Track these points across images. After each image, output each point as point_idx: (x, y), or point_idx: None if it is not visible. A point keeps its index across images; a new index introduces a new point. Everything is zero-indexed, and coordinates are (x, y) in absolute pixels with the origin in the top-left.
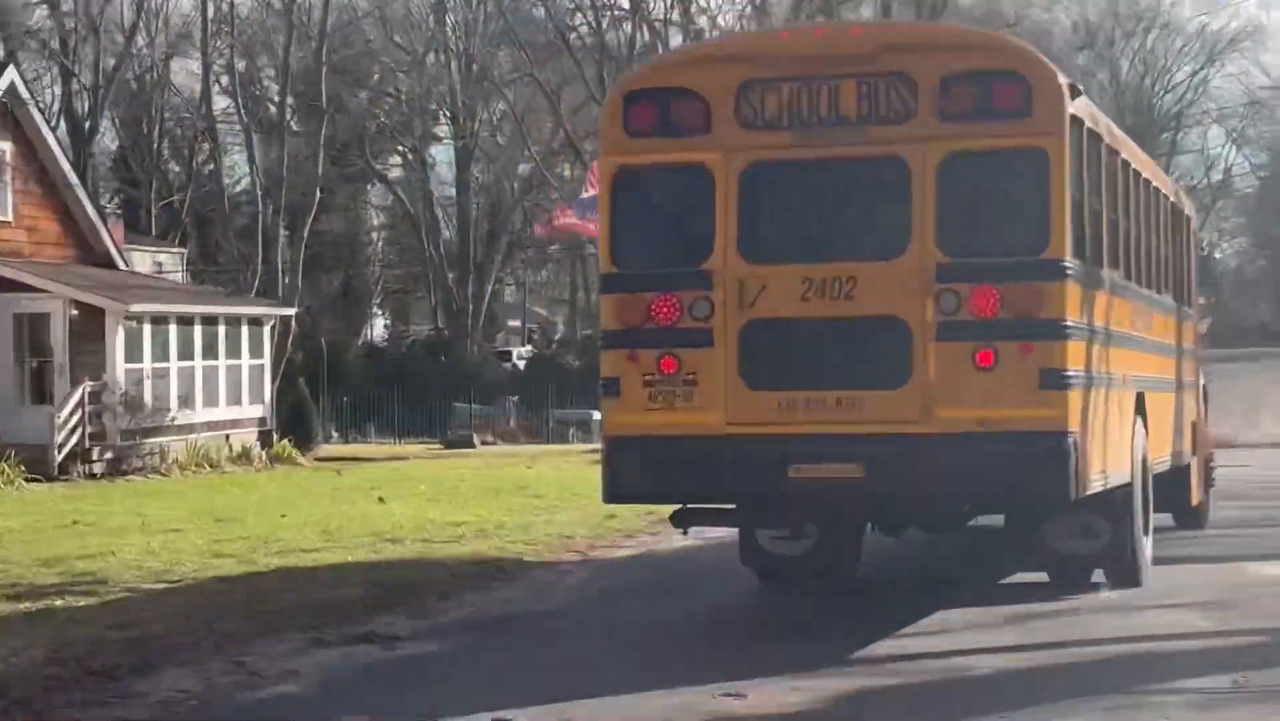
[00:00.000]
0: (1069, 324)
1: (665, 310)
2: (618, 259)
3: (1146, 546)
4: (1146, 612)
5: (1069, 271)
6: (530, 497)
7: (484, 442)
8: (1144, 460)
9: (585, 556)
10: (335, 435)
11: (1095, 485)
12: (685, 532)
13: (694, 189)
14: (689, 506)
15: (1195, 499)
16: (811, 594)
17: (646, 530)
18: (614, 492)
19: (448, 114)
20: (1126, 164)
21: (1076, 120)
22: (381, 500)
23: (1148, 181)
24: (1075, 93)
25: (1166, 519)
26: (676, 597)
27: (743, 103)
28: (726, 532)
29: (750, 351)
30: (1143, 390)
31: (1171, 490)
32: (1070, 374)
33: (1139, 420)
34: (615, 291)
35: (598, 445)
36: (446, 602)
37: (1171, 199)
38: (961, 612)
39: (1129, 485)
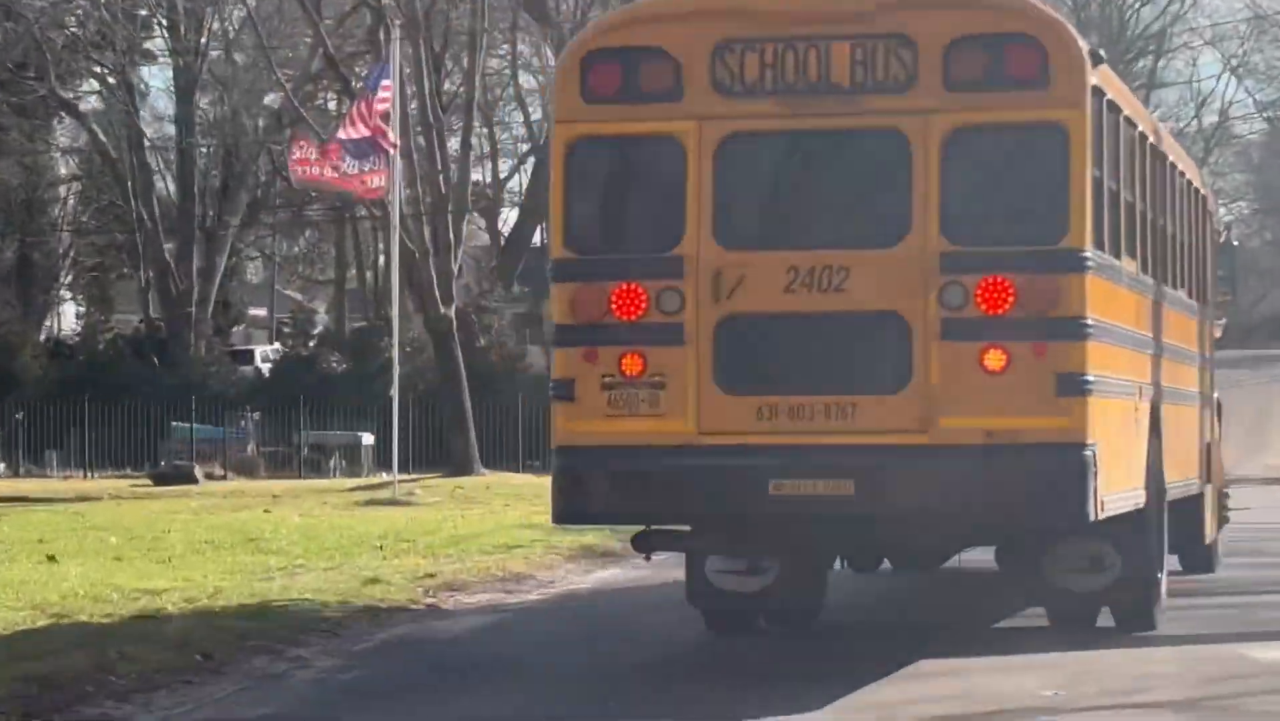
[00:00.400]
0: (1089, 322)
1: (629, 302)
2: (572, 243)
3: (1162, 582)
4: (1101, 716)
5: (1090, 263)
6: (263, 554)
7: (210, 476)
8: (1160, 483)
9: (333, 635)
10: (1, 466)
11: (1113, 507)
12: (648, 558)
13: (663, 163)
14: (653, 528)
15: (1207, 536)
16: (767, 641)
17: (420, 599)
18: (566, 512)
19: (163, 22)
20: (1146, 140)
21: (1098, 91)
22: (52, 558)
23: (1168, 159)
24: (1097, 60)
25: (1172, 560)
26: None
27: (719, 65)
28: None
29: (726, 350)
30: (1159, 402)
31: (1181, 524)
32: (1090, 379)
33: (1154, 437)
34: (569, 280)
35: (367, 480)
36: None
37: (1192, 179)
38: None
39: (1144, 510)
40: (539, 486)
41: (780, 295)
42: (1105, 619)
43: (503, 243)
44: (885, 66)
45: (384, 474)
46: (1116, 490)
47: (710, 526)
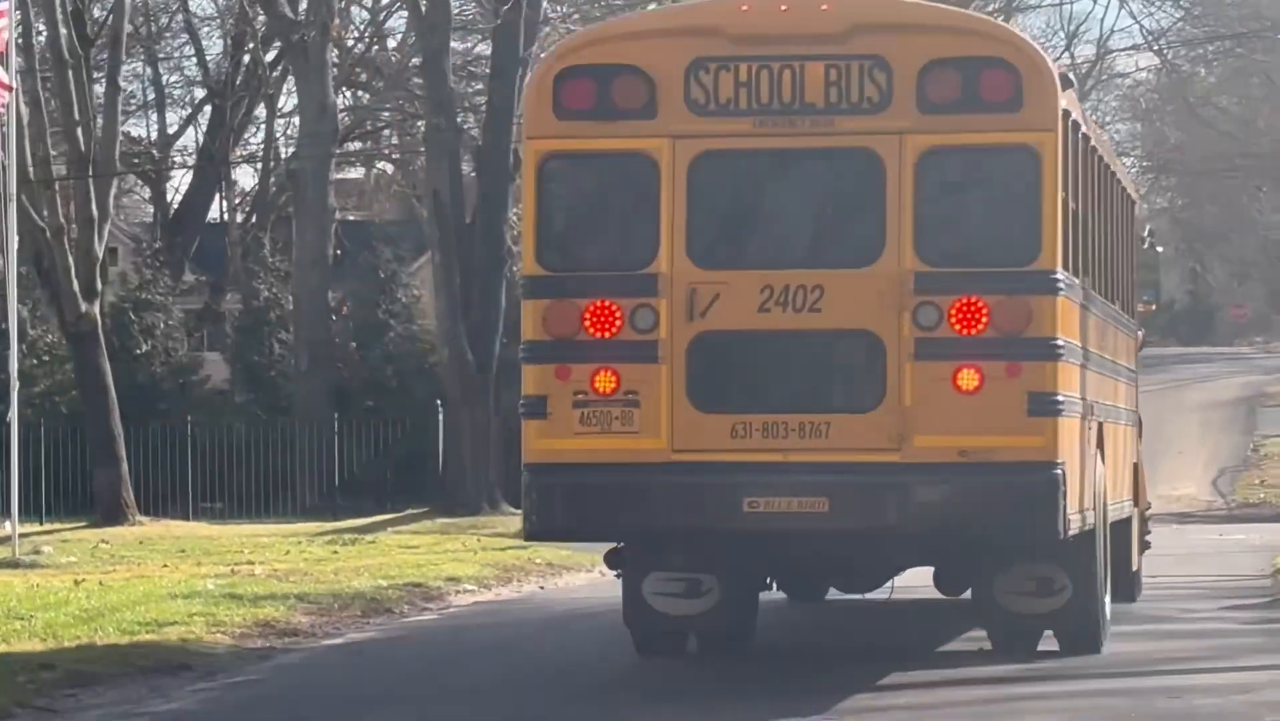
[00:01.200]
0: (1060, 343)
1: (602, 319)
2: (544, 259)
3: (1107, 606)
4: None
5: (1060, 284)
6: None
7: None
8: (1105, 504)
9: None
10: None
11: (1075, 526)
12: (619, 575)
13: (636, 181)
14: (624, 545)
15: (1134, 562)
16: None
17: (27, 700)
18: (538, 529)
19: None
20: (1098, 156)
21: (1066, 114)
22: None
23: (1111, 172)
24: (1066, 83)
25: None
26: None
27: (693, 83)
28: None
29: (700, 368)
30: (1103, 421)
31: (1112, 549)
32: (1060, 399)
33: (1100, 457)
34: (541, 296)
35: None
36: None
37: (1126, 186)
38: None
39: (1093, 532)
40: (211, 539)
41: (754, 314)
42: (1049, 642)
43: (170, 216)
44: (860, 87)
45: (6, 524)
46: (1078, 509)
47: (683, 544)
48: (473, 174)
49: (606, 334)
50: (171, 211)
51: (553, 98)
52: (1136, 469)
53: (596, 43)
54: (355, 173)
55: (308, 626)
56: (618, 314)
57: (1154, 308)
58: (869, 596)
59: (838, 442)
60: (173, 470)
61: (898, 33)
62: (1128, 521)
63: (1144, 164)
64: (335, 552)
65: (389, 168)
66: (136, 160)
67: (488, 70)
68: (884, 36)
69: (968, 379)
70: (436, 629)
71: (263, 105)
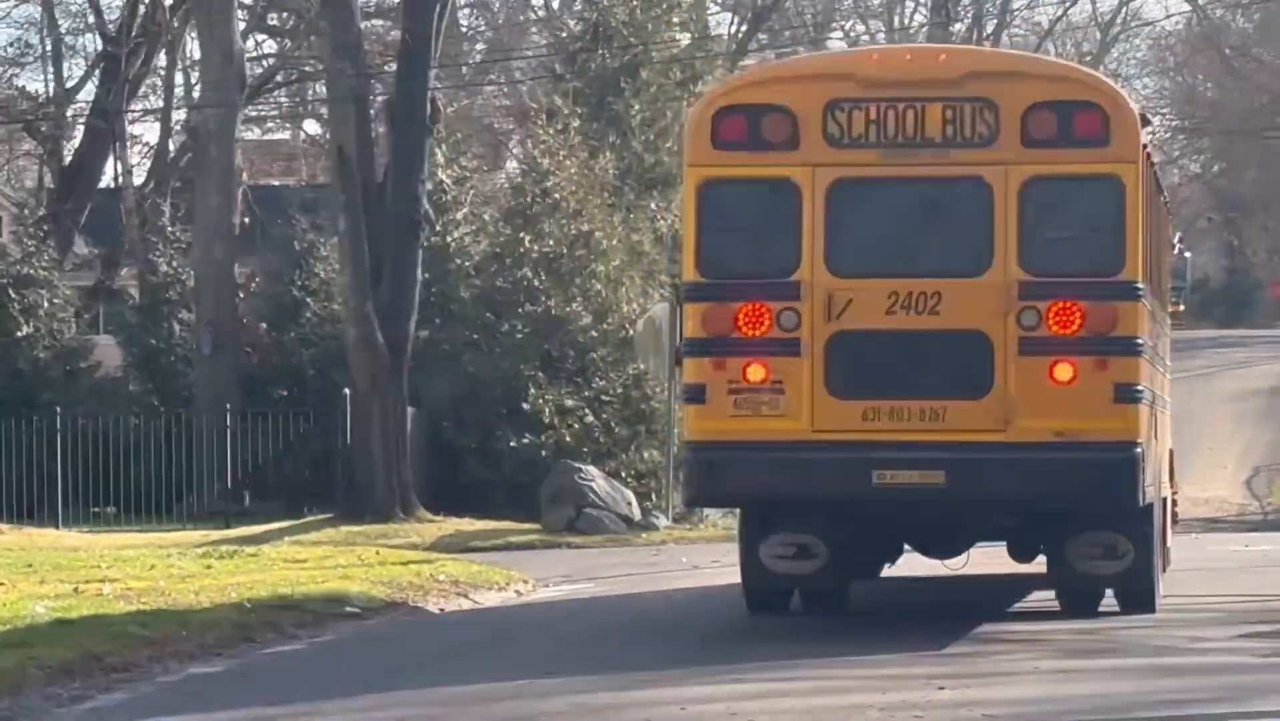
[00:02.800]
0: (1140, 341)
1: (753, 320)
2: (704, 268)
3: (1160, 571)
4: None
5: (1140, 292)
6: None
7: None
8: (1162, 481)
9: None
10: None
11: (1149, 497)
12: (750, 560)
13: (781, 202)
14: (771, 508)
15: (1168, 537)
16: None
17: None
18: (696, 496)
19: None
20: (1156, 176)
21: (1144, 147)
22: None
23: (1160, 185)
24: (1145, 122)
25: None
26: None
27: (830, 120)
28: None
29: (836, 361)
30: (1159, 409)
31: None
32: (1139, 389)
33: (1159, 440)
34: (701, 300)
35: None
36: None
37: (1165, 196)
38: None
39: (1153, 505)
40: (73, 551)
41: (883, 316)
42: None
43: (58, 182)
44: (972, 125)
45: None
46: (1150, 484)
47: (820, 510)
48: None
49: (756, 332)
50: (60, 176)
51: (711, 131)
52: (1171, 454)
53: (749, 86)
54: (282, 134)
55: (144, 660)
56: (766, 315)
57: (1181, 309)
58: (909, 576)
59: (953, 425)
60: (48, 470)
61: (1004, 79)
62: (1165, 500)
63: (1174, 124)
64: (208, 567)
65: (316, 126)
66: (24, 113)
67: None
68: (993, 82)
69: (1063, 371)
70: (297, 663)
71: (163, 53)
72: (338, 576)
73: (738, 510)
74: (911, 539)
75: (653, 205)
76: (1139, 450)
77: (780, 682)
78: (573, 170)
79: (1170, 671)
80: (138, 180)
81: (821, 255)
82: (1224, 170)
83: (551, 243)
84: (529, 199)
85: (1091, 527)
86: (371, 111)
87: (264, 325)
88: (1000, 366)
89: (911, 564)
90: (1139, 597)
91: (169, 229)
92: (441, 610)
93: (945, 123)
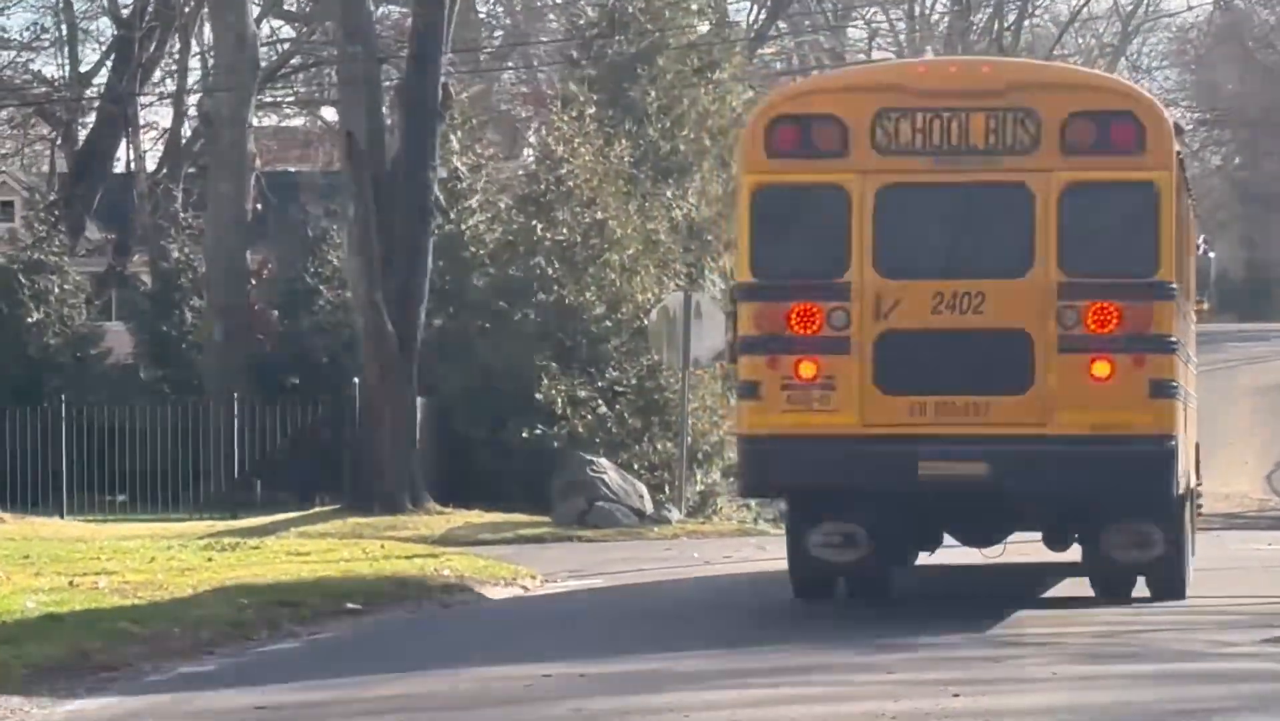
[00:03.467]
0: (1174, 339)
1: (805, 319)
2: (757, 270)
3: (1190, 560)
4: None
5: (1174, 292)
6: None
7: None
8: (1189, 474)
9: None
10: None
11: (1181, 489)
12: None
13: (831, 207)
14: (819, 499)
15: (1193, 527)
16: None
17: None
18: (752, 488)
19: None
20: (1186, 180)
21: (1177, 154)
22: None
23: (1188, 188)
24: (1178, 131)
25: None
26: None
27: (879, 129)
28: None
29: (884, 359)
30: (1188, 404)
31: None
32: (1174, 384)
33: (1188, 434)
34: (755, 300)
35: None
36: None
37: (1192, 195)
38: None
39: (1183, 496)
40: (75, 541)
41: (929, 315)
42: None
43: (70, 167)
44: (1014, 134)
45: None
46: (1182, 475)
47: (867, 500)
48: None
49: (808, 331)
50: (73, 161)
51: (765, 140)
52: (1197, 447)
53: (800, 96)
54: (298, 121)
55: (133, 658)
56: (818, 314)
57: (1205, 307)
58: (947, 564)
59: (995, 419)
60: (55, 458)
61: (1045, 90)
62: (1191, 492)
63: (1194, 116)
64: (209, 560)
65: (332, 113)
66: (39, 98)
67: None
68: (1034, 93)
69: (1101, 368)
70: (291, 663)
71: (176, 37)
72: (339, 571)
73: (784, 502)
74: (952, 528)
75: (669, 193)
76: (1174, 444)
77: (788, 689)
78: (587, 158)
79: (1193, 678)
80: (151, 166)
81: (870, 257)
82: (1244, 163)
83: (565, 231)
84: (543, 186)
85: (1125, 518)
86: (384, 97)
87: (276, 312)
88: (1041, 363)
89: (945, 553)
90: (1170, 585)
91: (181, 215)
92: (445, 606)
93: (988, 131)
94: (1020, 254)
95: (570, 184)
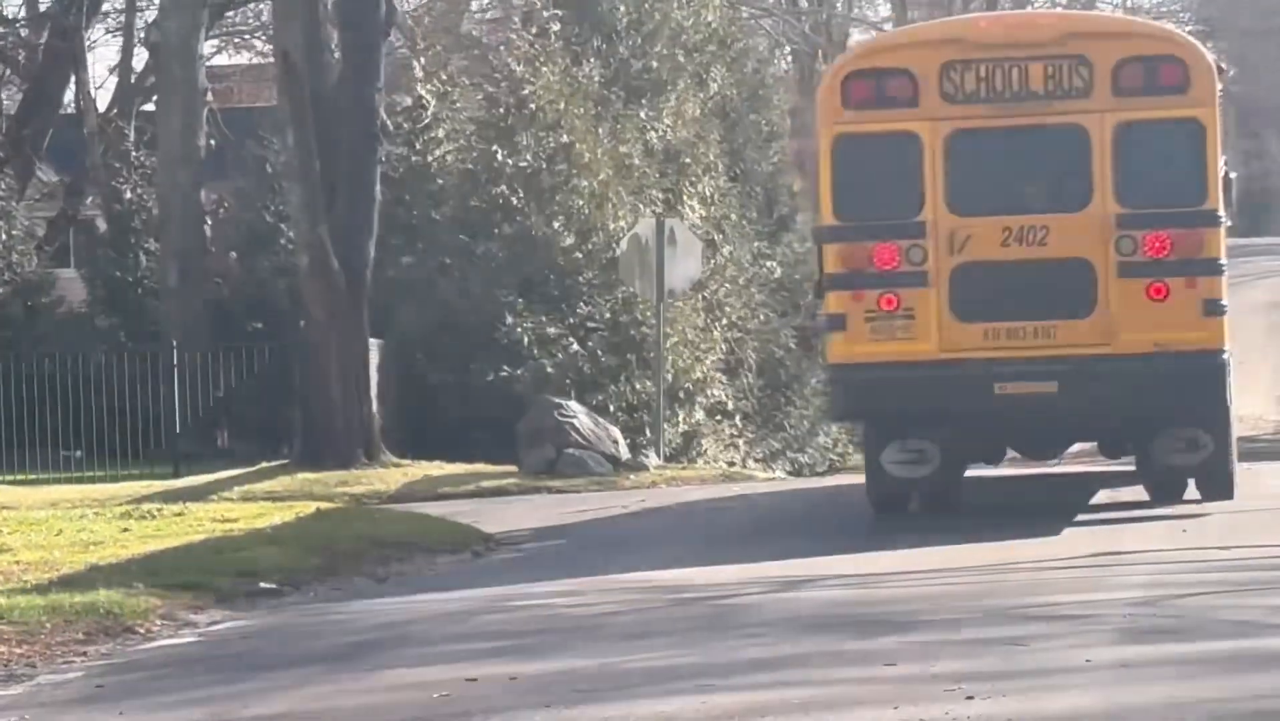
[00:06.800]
0: (1222, 262)
1: (886, 256)
2: (839, 213)
3: (1235, 463)
4: None
5: (1220, 219)
6: None
7: None
8: (1233, 383)
9: None
10: None
11: (1230, 397)
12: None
13: (905, 153)
14: (900, 420)
15: None
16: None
17: None
18: (841, 412)
19: None
20: (1226, 111)
21: (1220, 93)
22: None
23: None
24: (1220, 71)
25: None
26: None
27: (946, 80)
28: None
29: (959, 290)
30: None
31: None
32: (1223, 303)
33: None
34: (838, 241)
35: None
36: None
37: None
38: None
39: (1229, 404)
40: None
41: (998, 248)
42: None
43: (16, 107)
44: (1069, 79)
45: None
46: (1230, 385)
47: (945, 419)
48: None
49: (889, 266)
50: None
51: (842, 93)
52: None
53: (874, 52)
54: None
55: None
56: (897, 251)
57: (1229, 225)
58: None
59: (1062, 341)
60: (4, 414)
61: (1097, 39)
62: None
63: (1188, 28)
64: (124, 530)
65: None
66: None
67: None
68: (1087, 41)
69: (1158, 291)
70: (165, 668)
71: None
72: (264, 541)
73: (862, 425)
74: (1016, 443)
75: (642, 115)
76: (1225, 356)
77: (764, 691)
78: (552, 78)
79: (1257, 661)
80: (103, 105)
81: (943, 197)
82: (1240, 73)
83: (529, 157)
84: (503, 110)
85: (1175, 424)
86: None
87: (234, 254)
88: (1103, 288)
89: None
90: (1219, 485)
91: (134, 154)
92: (379, 580)
93: (1046, 78)
94: (1080, 189)
95: (533, 106)
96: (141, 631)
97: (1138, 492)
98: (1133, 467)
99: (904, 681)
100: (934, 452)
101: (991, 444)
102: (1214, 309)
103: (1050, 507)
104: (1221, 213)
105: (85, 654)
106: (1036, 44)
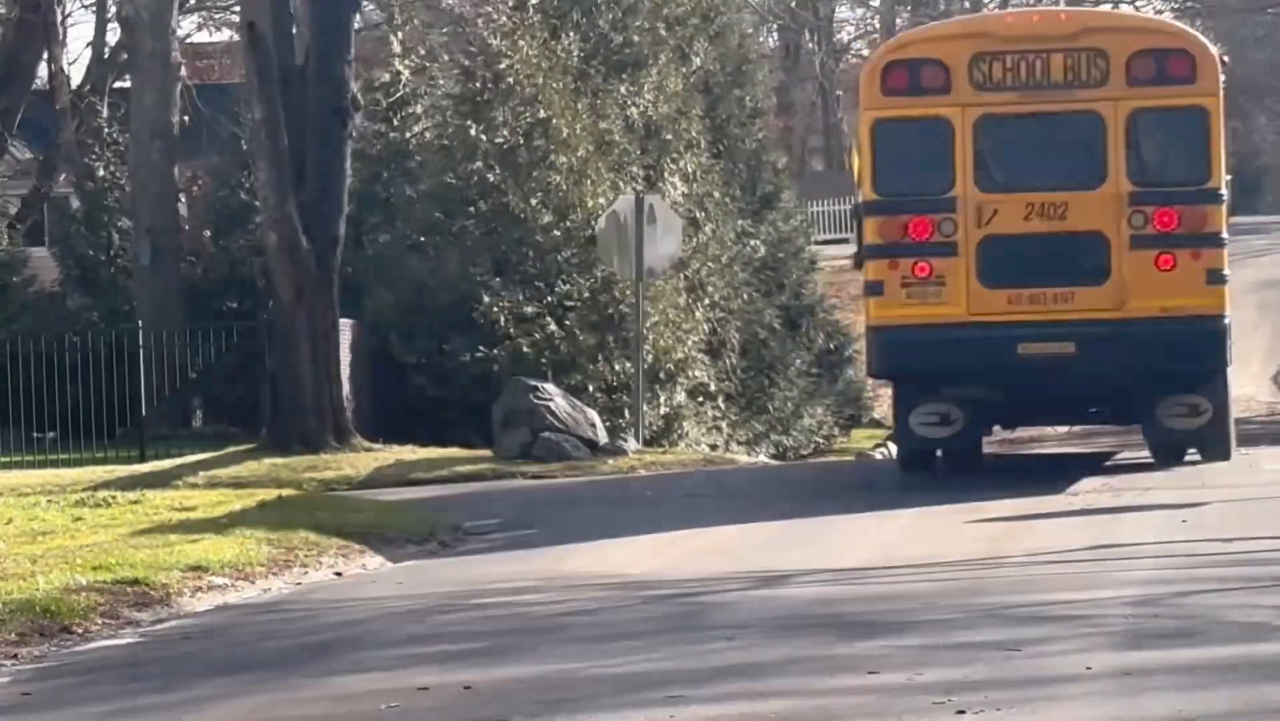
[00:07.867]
0: (1224, 235)
1: (920, 228)
2: (879, 189)
3: (1233, 428)
4: None
5: (1222, 197)
6: None
7: None
8: (1231, 350)
9: None
10: None
11: (1229, 360)
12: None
13: (938, 136)
14: (929, 380)
15: None
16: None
17: None
18: (878, 369)
19: None
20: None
21: (1224, 82)
22: None
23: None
24: (1223, 64)
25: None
26: None
27: (975, 69)
28: None
29: (985, 259)
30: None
31: None
32: (1225, 273)
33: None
34: (878, 215)
35: None
36: None
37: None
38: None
39: (1227, 370)
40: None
41: (1022, 222)
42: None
43: None
44: (1087, 70)
45: None
46: (1230, 350)
47: (972, 378)
48: None
49: (922, 238)
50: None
51: (880, 81)
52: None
53: (909, 44)
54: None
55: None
56: (930, 224)
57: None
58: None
59: (1080, 306)
60: None
61: (1113, 33)
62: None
63: (1175, 6)
64: (76, 520)
65: None
66: None
67: None
68: (1103, 35)
69: (1166, 261)
70: (102, 672)
71: None
72: (220, 531)
73: (891, 388)
74: (1035, 407)
75: (622, 90)
76: (1227, 321)
77: (736, 702)
78: (529, 52)
79: (1272, 668)
80: (76, 81)
81: (971, 176)
82: (1228, 51)
83: (506, 133)
84: (479, 84)
85: (1177, 391)
86: None
87: (209, 232)
88: (1116, 259)
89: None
90: (1217, 447)
91: (106, 131)
92: (338, 574)
93: (1066, 69)
94: (1096, 169)
95: (510, 80)
96: (79, 631)
97: (1132, 482)
98: (1131, 459)
99: (888, 692)
100: (958, 415)
101: (1012, 408)
102: (1216, 278)
103: (1050, 482)
104: (1224, 191)
105: (16, 656)
106: (1058, 37)
